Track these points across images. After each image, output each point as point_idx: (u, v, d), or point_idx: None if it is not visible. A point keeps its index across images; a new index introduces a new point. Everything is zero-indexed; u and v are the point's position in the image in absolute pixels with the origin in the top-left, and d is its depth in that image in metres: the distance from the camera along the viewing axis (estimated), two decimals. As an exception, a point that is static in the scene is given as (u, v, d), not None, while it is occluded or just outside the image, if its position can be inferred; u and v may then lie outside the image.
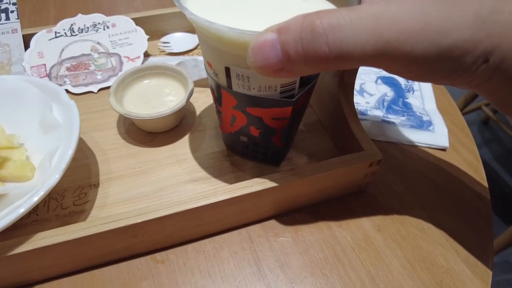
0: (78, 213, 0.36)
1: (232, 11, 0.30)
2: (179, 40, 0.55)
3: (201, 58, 0.46)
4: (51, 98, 0.37)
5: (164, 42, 0.54)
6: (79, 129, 0.33)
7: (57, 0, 0.69)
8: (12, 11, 0.50)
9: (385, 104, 0.50)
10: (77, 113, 0.35)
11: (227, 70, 0.31)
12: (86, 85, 0.47)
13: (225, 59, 0.30)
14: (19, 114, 0.37)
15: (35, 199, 0.28)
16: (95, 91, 0.47)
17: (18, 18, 0.50)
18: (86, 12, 0.53)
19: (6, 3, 0.50)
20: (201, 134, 0.43)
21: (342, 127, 0.40)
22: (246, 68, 0.30)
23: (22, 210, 0.28)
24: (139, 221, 0.30)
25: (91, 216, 0.35)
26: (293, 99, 0.33)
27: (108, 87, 0.48)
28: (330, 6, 0.31)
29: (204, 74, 0.47)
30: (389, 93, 0.52)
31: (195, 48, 0.54)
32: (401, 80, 0.54)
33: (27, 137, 0.37)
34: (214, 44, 0.29)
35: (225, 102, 0.35)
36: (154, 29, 0.53)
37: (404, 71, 0.19)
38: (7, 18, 0.50)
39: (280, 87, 0.31)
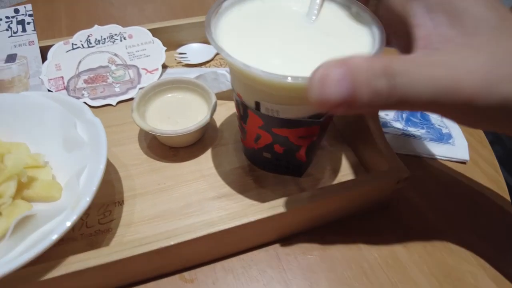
0: (104, 232, 0.35)
1: (259, 48, 0.30)
2: (196, 51, 0.54)
3: (221, 71, 0.46)
4: (74, 115, 0.37)
5: (181, 53, 0.54)
6: (106, 148, 0.33)
7: (67, 9, 0.68)
8: (28, 23, 0.49)
9: (404, 116, 0.50)
10: (103, 131, 0.34)
11: (257, 104, 0.31)
12: (104, 97, 0.47)
13: (257, 95, 0.31)
14: (42, 131, 0.37)
15: (68, 224, 0.28)
16: (114, 104, 0.47)
17: (34, 30, 0.49)
18: (98, 21, 0.52)
19: (22, 14, 0.49)
20: (223, 148, 0.43)
21: (366, 142, 0.40)
22: (277, 104, 0.30)
23: (55, 237, 0.27)
24: (172, 243, 0.30)
25: (117, 235, 0.35)
26: (321, 119, 0.33)
27: (127, 100, 0.47)
28: (353, 40, 0.31)
29: (224, 87, 0.47)
30: (407, 104, 0.52)
31: (212, 59, 0.54)
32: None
33: (51, 155, 0.36)
34: (247, 82, 0.30)
35: (251, 122, 0.34)
36: (170, 39, 0.53)
37: (462, 118, 0.20)
38: (24, 30, 0.49)
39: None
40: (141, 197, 0.38)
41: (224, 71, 0.46)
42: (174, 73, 0.50)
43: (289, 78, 0.26)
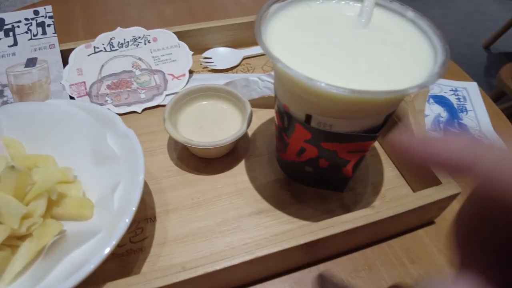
0: (136, 251, 0.33)
1: (311, 57, 0.28)
2: (222, 56, 0.52)
3: (252, 77, 0.44)
4: (104, 125, 0.34)
5: (206, 58, 0.51)
6: (143, 163, 0.31)
7: (83, 10, 0.66)
8: (48, 25, 0.47)
9: (441, 125, 0.48)
10: (138, 144, 0.32)
11: (308, 117, 0.29)
12: (129, 104, 0.44)
13: (310, 108, 0.29)
14: (69, 143, 0.35)
15: (107, 251, 0.26)
16: (139, 111, 0.44)
17: (55, 33, 0.47)
18: (115, 22, 0.50)
19: (42, 16, 0.47)
20: (256, 160, 0.41)
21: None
22: (332, 117, 0.28)
23: (93, 266, 0.25)
24: (217, 268, 0.27)
25: (151, 255, 0.33)
26: (377, 134, 0.30)
27: (153, 107, 0.45)
28: (412, 51, 0.29)
29: (255, 94, 0.44)
30: (443, 113, 0.50)
31: (239, 64, 0.52)
32: (453, 99, 0.52)
33: (79, 170, 0.34)
34: (301, 95, 0.28)
35: (297, 135, 0.32)
36: (195, 43, 0.50)
37: None
38: (44, 33, 0.47)
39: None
40: (174, 213, 0.36)
41: (256, 78, 0.44)
42: (201, 79, 0.48)
43: (359, 92, 0.23)
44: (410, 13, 0.31)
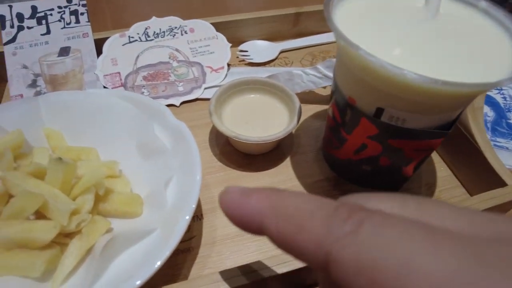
0: (184, 251, 0.31)
1: (381, 46, 0.26)
2: (258, 49, 0.50)
3: (296, 71, 0.42)
4: (152, 118, 0.32)
5: (242, 51, 0.49)
6: (199, 156, 0.29)
7: (110, 1, 0.64)
8: (82, 13, 0.45)
9: (489, 125, 0.46)
10: (191, 137, 0.30)
11: (379, 110, 0.27)
12: (167, 97, 0.43)
13: (384, 101, 0.27)
14: (112, 135, 0.33)
15: (168, 251, 0.24)
16: (177, 104, 0.43)
17: (88, 21, 0.45)
18: (143, 13, 0.48)
19: (75, 4, 0.45)
20: (302, 157, 0.39)
21: (471, 157, 0.36)
22: (409, 111, 0.26)
23: (156, 267, 0.23)
24: (279, 272, 0.26)
25: (200, 255, 0.31)
26: (449, 130, 0.28)
27: (192, 101, 0.43)
28: (490, 44, 0.27)
29: (298, 89, 0.42)
30: (490, 113, 0.48)
31: (276, 58, 0.50)
32: (499, 99, 0.50)
33: (124, 163, 0.32)
34: (377, 85, 0.26)
35: (360, 130, 0.30)
36: (231, 35, 0.48)
37: None
38: (77, 21, 0.45)
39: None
40: (221, 210, 0.34)
41: (300, 71, 0.42)
42: (239, 72, 0.46)
43: (452, 84, 0.21)
44: (483, 3, 0.29)
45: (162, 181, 0.29)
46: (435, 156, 0.40)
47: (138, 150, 0.32)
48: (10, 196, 0.26)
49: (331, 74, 0.41)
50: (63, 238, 0.27)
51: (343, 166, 0.36)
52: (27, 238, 0.24)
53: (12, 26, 0.43)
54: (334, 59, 0.41)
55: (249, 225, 0.14)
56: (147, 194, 0.30)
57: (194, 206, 0.26)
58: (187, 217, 0.25)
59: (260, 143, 0.34)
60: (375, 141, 0.30)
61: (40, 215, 0.26)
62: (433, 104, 0.25)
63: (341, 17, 0.28)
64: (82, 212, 0.27)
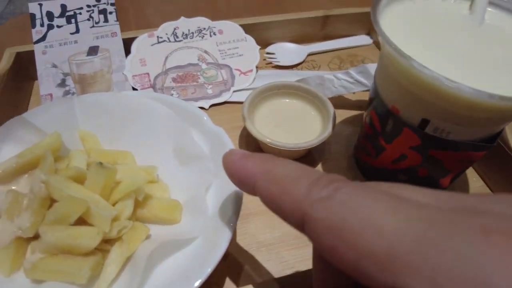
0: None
1: (428, 56, 0.26)
2: (285, 51, 0.49)
3: (328, 75, 0.41)
4: (189, 122, 0.32)
5: (268, 53, 0.49)
6: (238, 165, 0.28)
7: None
8: (110, 12, 0.45)
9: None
10: (230, 143, 0.30)
11: (425, 122, 0.27)
12: (196, 99, 0.42)
13: (432, 112, 0.26)
14: (148, 139, 0.32)
15: (214, 262, 0.23)
16: (207, 107, 0.42)
17: (117, 20, 0.45)
18: (167, 11, 0.47)
19: (104, 3, 0.45)
20: (334, 164, 0.38)
21: (506, 167, 0.35)
22: (456, 124, 0.25)
23: (200, 280, 0.23)
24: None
25: (233, 263, 0.31)
26: (494, 143, 0.28)
27: (220, 104, 0.43)
28: None
29: (329, 93, 0.42)
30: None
31: (303, 61, 0.49)
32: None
33: (160, 168, 0.32)
34: (425, 97, 0.25)
35: (402, 140, 0.30)
36: (258, 37, 0.48)
37: None
38: (106, 20, 0.44)
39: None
40: (254, 217, 0.34)
41: (331, 76, 0.41)
42: (267, 75, 0.46)
43: (506, 98, 0.21)
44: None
45: (201, 187, 0.29)
46: (468, 165, 0.39)
47: (175, 155, 0.32)
48: (52, 200, 0.26)
49: (363, 80, 0.40)
50: (104, 244, 0.26)
51: (377, 174, 0.36)
52: (72, 244, 0.24)
53: (42, 25, 0.43)
54: (367, 65, 0.40)
55: (245, 184, 0.16)
56: (186, 200, 0.29)
57: (237, 215, 0.26)
58: (231, 225, 0.25)
59: (295, 150, 0.33)
60: (416, 152, 0.30)
61: (79, 220, 0.26)
62: (484, 117, 0.25)
63: (386, 24, 0.28)
64: (122, 218, 0.27)
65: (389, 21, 0.29)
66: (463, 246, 0.10)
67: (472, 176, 0.39)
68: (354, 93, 0.43)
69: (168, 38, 0.45)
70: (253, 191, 0.16)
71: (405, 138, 0.29)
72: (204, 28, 0.46)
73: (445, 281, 0.09)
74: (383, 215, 0.11)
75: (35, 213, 0.25)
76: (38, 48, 0.42)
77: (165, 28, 0.46)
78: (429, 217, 0.11)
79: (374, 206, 0.11)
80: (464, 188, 0.38)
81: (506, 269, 0.09)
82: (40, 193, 0.26)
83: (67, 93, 0.42)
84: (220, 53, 0.45)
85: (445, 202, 0.12)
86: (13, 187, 0.28)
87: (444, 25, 0.29)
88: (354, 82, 0.41)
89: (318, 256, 0.17)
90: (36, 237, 0.26)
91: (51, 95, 0.41)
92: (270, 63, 0.48)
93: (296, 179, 0.14)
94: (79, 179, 0.28)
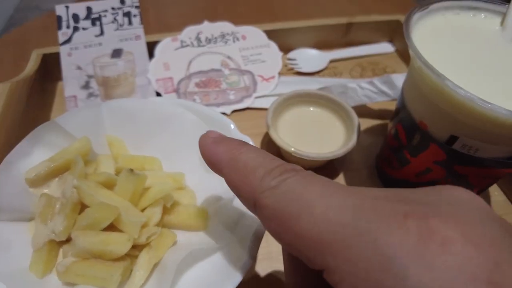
0: (242, 265, 0.31)
1: (458, 73, 0.26)
2: (307, 58, 0.49)
3: (351, 84, 0.41)
4: (215, 130, 0.32)
5: (290, 59, 0.49)
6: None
7: (154, 1, 0.64)
8: (135, 15, 0.45)
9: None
10: (256, 154, 0.30)
11: (453, 138, 0.27)
12: (218, 105, 0.43)
13: (460, 130, 0.26)
14: (175, 145, 0.33)
15: (240, 275, 0.24)
16: (228, 113, 0.42)
17: (141, 24, 0.45)
18: (190, 14, 0.48)
19: (129, 6, 0.45)
20: (355, 174, 0.38)
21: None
22: (484, 142, 0.25)
23: None
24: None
25: (257, 270, 0.31)
26: (524, 161, 0.28)
27: (242, 110, 0.43)
28: None
29: (351, 103, 0.42)
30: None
31: (325, 68, 0.49)
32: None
33: (187, 175, 0.32)
34: (455, 115, 0.25)
35: (427, 155, 0.30)
36: (281, 43, 0.48)
37: None
38: (130, 23, 0.45)
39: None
40: (276, 226, 0.34)
41: (355, 85, 0.41)
42: (289, 82, 0.46)
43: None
44: None
45: (228, 196, 0.29)
46: (490, 179, 0.39)
47: (201, 163, 0.32)
48: (83, 205, 0.27)
49: (387, 90, 0.40)
50: (132, 250, 0.27)
51: (398, 185, 0.36)
52: (104, 250, 0.24)
53: (68, 27, 0.43)
54: (392, 75, 0.40)
55: (215, 168, 0.18)
56: (212, 208, 0.30)
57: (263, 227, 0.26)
58: (257, 238, 0.25)
59: (319, 160, 0.34)
60: (440, 166, 0.30)
61: (109, 225, 0.27)
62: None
63: (417, 38, 0.28)
64: (151, 225, 0.27)
65: (420, 35, 0.29)
66: (378, 229, 0.11)
67: (494, 190, 0.39)
68: (376, 102, 0.43)
69: (192, 43, 0.45)
70: (221, 175, 0.17)
71: (431, 153, 0.29)
72: (228, 33, 0.46)
73: (358, 261, 0.11)
74: (317, 201, 0.12)
75: (67, 217, 0.26)
76: (64, 50, 0.43)
77: (189, 33, 0.46)
78: (357, 203, 0.12)
79: (310, 194, 0.13)
80: (486, 201, 0.37)
81: (410, 248, 0.10)
82: (72, 198, 0.26)
83: (90, 95, 0.42)
84: (243, 59, 0.45)
85: (392, 195, 0.13)
86: (45, 191, 0.29)
87: (475, 41, 0.29)
88: (378, 92, 0.41)
89: (287, 253, 0.19)
90: (67, 240, 0.26)
91: (75, 96, 0.42)
92: (292, 69, 0.48)
93: (254, 168, 0.15)
94: (109, 185, 0.28)
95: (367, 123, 0.43)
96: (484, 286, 0.10)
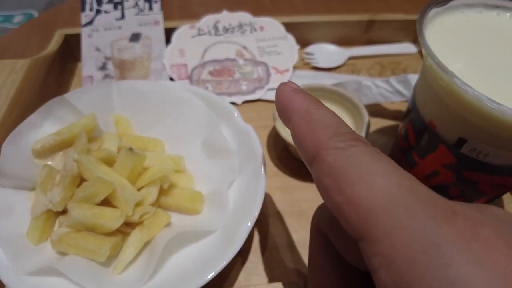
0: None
1: (474, 72, 0.25)
2: (324, 53, 0.48)
3: (366, 82, 0.40)
4: (219, 117, 0.32)
5: (307, 53, 0.48)
6: (264, 163, 0.28)
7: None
8: (156, 1, 0.46)
9: None
10: (258, 142, 0.30)
11: (461, 141, 0.25)
12: (230, 94, 0.42)
13: (469, 132, 0.25)
14: (179, 129, 0.33)
15: (223, 263, 0.24)
16: (239, 103, 0.42)
17: (161, 10, 0.46)
18: (214, 3, 0.47)
19: (151, -9, 0.46)
20: (362, 173, 0.37)
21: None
22: (495, 147, 0.24)
23: (213, 274, 0.23)
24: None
25: (249, 261, 0.31)
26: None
27: (253, 101, 0.43)
28: None
29: (365, 100, 0.41)
30: None
31: (343, 64, 0.48)
32: None
33: (188, 159, 0.32)
34: (464, 115, 0.24)
35: (436, 157, 0.28)
36: (299, 36, 0.47)
37: None
38: (151, 9, 0.45)
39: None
40: (274, 218, 0.33)
41: (369, 83, 0.40)
42: (304, 76, 0.45)
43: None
44: None
45: (225, 182, 0.29)
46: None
47: (203, 148, 0.32)
48: (82, 179, 0.27)
49: (403, 90, 0.39)
50: (125, 227, 0.27)
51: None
52: (96, 223, 0.25)
53: (91, 10, 0.44)
54: (409, 75, 0.39)
55: (285, 114, 0.17)
56: (208, 193, 0.30)
57: (256, 214, 0.26)
58: (249, 224, 0.25)
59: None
60: (449, 170, 0.28)
61: (105, 201, 0.27)
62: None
63: (431, 35, 0.27)
64: (145, 204, 0.28)
65: (436, 33, 0.27)
66: (427, 216, 0.11)
67: (509, 200, 0.36)
68: (392, 102, 0.42)
69: (209, 31, 0.46)
70: (287, 122, 0.17)
71: (439, 155, 0.28)
72: (245, 24, 0.46)
73: (401, 236, 0.11)
74: (378, 175, 0.13)
75: (65, 189, 0.26)
76: (85, 32, 0.44)
77: (207, 21, 0.46)
78: (414, 188, 0.12)
79: (374, 166, 0.13)
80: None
81: (455, 240, 0.11)
82: (72, 171, 0.27)
83: (106, 76, 0.43)
84: (259, 50, 0.45)
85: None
86: (49, 162, 0.29)
87: (499, 43, 0.27)
88: (394, 91, 0.39)
89: (318, 246, 0.20)
90: (64, 211, 0.27)
91: (91, 77, 0.43)
92: (308, 63, 0.47)
93: (326, 126, 0.15)
94: (109, 162, 0.29)
95: (380, 123, 0.41)
96: None
